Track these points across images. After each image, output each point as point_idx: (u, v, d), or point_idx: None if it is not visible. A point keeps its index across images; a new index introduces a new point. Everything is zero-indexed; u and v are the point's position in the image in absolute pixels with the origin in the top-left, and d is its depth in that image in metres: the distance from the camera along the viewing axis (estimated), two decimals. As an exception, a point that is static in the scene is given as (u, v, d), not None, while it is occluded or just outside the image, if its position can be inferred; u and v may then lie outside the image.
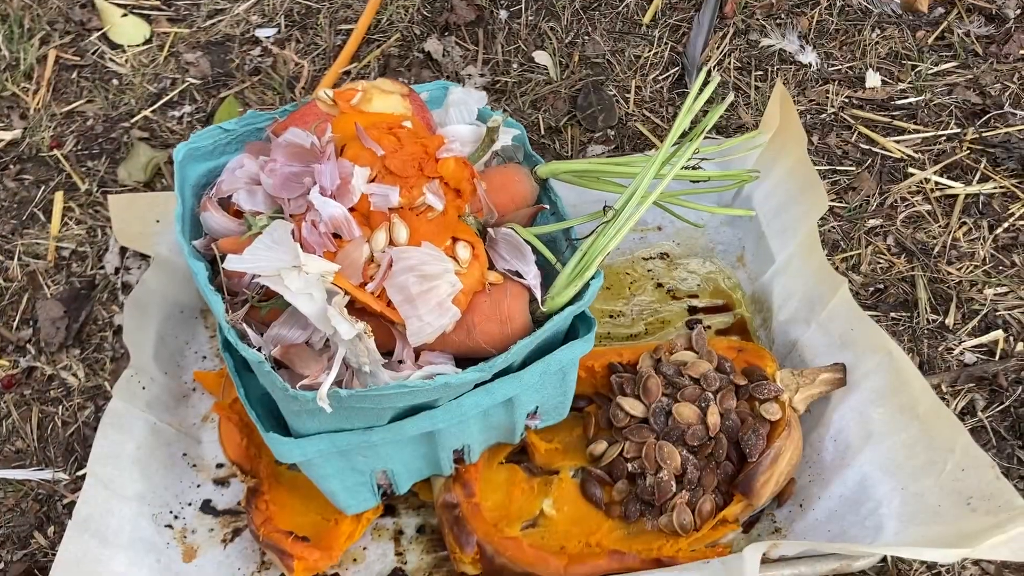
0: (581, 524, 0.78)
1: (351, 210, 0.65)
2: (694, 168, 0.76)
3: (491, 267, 0.69)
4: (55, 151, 1.11)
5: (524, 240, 0.68)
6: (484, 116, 0.78)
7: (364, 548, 0.79)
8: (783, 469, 0.76)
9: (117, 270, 0.99)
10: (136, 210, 0.92)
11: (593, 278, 0.68)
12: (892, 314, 0.92)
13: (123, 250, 1.00)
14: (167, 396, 0.85)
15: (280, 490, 0.78)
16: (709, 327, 0.91)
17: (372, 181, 0.66)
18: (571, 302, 0.67)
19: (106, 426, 0.78)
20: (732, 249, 0.97)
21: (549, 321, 0.67)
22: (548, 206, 0.76)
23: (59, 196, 1.06)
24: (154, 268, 0.88)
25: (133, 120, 1.15)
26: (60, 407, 0.89)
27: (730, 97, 0.77)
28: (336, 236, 0.64)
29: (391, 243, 0.64)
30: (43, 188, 1.08)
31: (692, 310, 0.93)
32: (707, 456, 0.77)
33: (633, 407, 0.79)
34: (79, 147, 1.12)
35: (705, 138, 0.89)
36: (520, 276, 0.68)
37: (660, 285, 0.95)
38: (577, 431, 0.83)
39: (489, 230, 0.69)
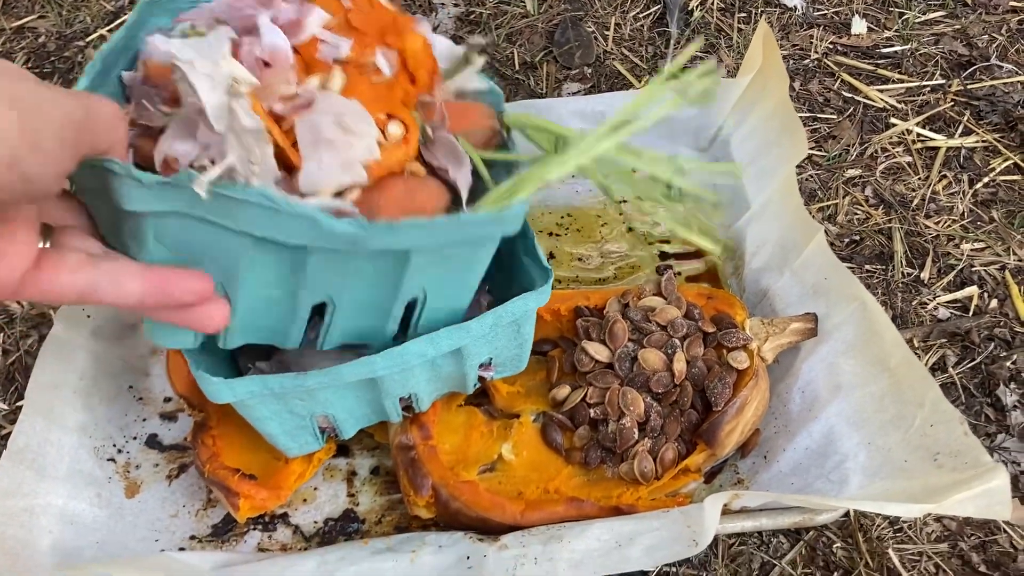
0: (540, 469, 0.76)
1: (295, 52, 0.59)
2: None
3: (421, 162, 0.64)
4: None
5: (465, 152, 0.64)
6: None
7: (315, 488, 0.76)
8: (748, 419, 0.74)
9: (66, 194, 0.94)
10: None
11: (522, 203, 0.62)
12: (867, 266, 0.90)
13: (73, 174, 0.95)
14: (114, 325, 0.81)
15: (229, 426, 0.75)
16: (679, 273, 0.89)
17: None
18: None
19: (47, 354, 0.74)
20: (707, 194, 0.94)
21: (457, 218, 0.60)
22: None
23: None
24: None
25: (88, 39, 1.09)
26: (1, 335, 0.85)
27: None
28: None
29: (322, 89, 0.58)
30: None
31: (663, 256, 0.90)
32: (671, 404, 0.75)
33: (598, 352, 0.77)
34: (29, 65, 1.07)
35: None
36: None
37: (631, 229, 0.92)
38: (540, 375, 0.81)
39: (430, 129, 0.64)
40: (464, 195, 0.63)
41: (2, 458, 0.69)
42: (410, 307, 0.64)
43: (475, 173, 0.65)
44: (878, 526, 0.75)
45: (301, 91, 0.56)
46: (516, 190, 0.62)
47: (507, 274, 0.76)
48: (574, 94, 1.04)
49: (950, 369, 0.83)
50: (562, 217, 0.93)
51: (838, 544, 0.74)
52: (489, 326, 0.66)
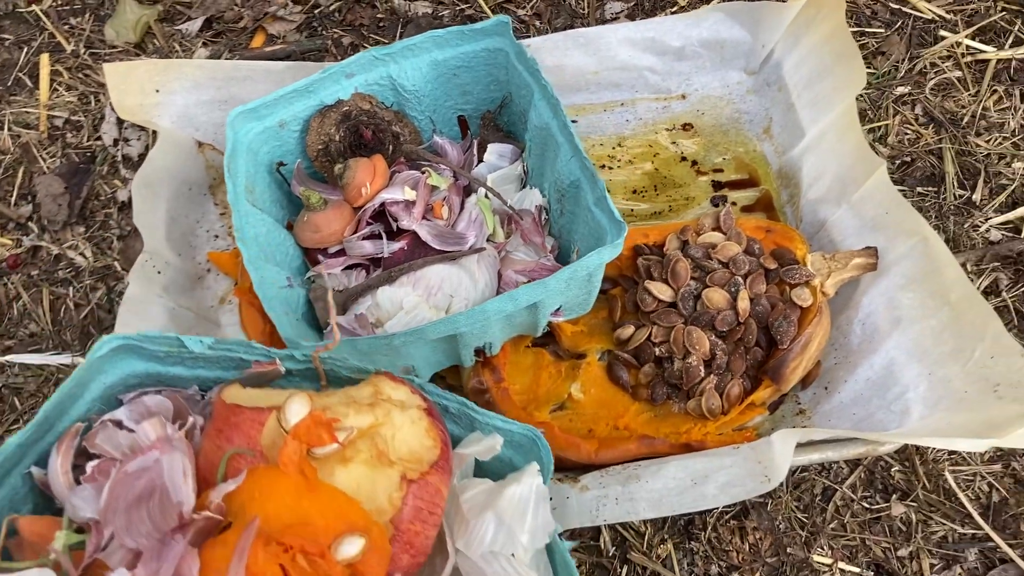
0: (608, 406, 0.78)
1: None
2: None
3: None
4: (33, 7, 1.04)
5: None
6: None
7: (393, 431, 0.79)
8: (812, 354, 0.76)
9: (116, 142, 0.94)
10: (134, 80, 0.87)
11: None
12: (919, 189, 0.90)
13: (120, 120, 0.95)
14: (182, 278, 0.82)
15: (307, 376, 0.77)
16: (734, 203, 0.89)
17: None
18: None
19: (125, 314, 0.76)
20: (758, 120, 0.93)
21: None
22: None
23: (44, 59, 1.00)
24: (160, 144, 0.84)
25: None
26: (71, 288, 0.87)
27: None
28: None
29: None
30: (26, 49, 1.01)
31: (717, 185, 0.91)
32: (736, 341, 0.77)
33: (661, 291, 0.78)
34: (59, 2, 1.05)
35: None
36: None
37: (684, 159, 0.92)
38: (602, 314, 0.82)
39: None
40: None
41: (98, 419, 0.71)
42: None
43: None
44: (934, 450, 0.78)
45: None
46: None
47: (571, 218, 0.77)
48: (617, 14, 1.02)
49: (1003, 293, 0.85)
50: (614, 148, 0.93)
51: (896, 468, 0.78)
52: (565, 281, 0.68)
